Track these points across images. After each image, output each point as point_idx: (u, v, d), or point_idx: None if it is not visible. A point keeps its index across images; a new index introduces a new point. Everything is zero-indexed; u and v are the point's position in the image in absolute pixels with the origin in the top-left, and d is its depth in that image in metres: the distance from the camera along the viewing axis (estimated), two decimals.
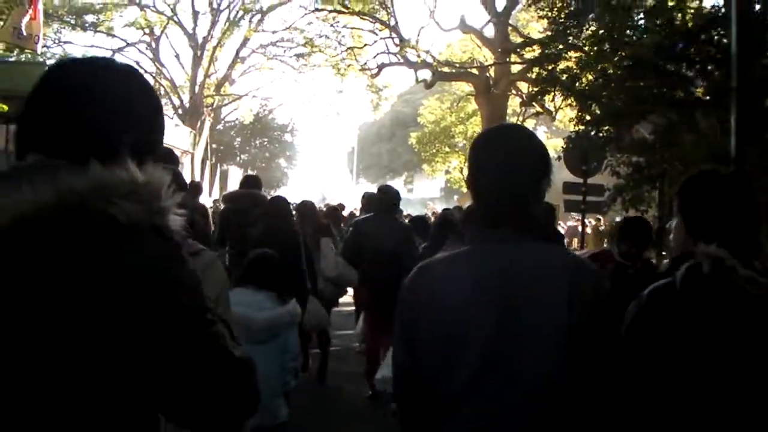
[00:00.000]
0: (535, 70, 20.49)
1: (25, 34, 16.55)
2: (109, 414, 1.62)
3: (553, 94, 17.34)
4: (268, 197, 9.71)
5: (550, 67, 16.46)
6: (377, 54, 32.41)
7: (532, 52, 24.79)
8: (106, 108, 1.77)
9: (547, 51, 17.14)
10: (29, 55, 23.76)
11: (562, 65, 16.30)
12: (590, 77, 13.95)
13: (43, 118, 1.75)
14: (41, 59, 25.36)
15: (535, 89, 18.32)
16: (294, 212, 10.44)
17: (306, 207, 10.92)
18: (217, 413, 1.69)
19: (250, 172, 45.21)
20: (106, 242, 1.57)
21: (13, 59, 25.79)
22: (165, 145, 2.05)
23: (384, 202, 9.72)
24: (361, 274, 9.41)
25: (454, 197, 59.08)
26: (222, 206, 12.76)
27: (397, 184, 67.07)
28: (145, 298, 1.58)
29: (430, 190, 64.30)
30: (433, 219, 14.45)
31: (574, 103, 25.38)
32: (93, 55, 2.47)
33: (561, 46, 16.38)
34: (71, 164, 1.63)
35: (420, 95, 60.33)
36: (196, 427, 1.78)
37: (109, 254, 1.57)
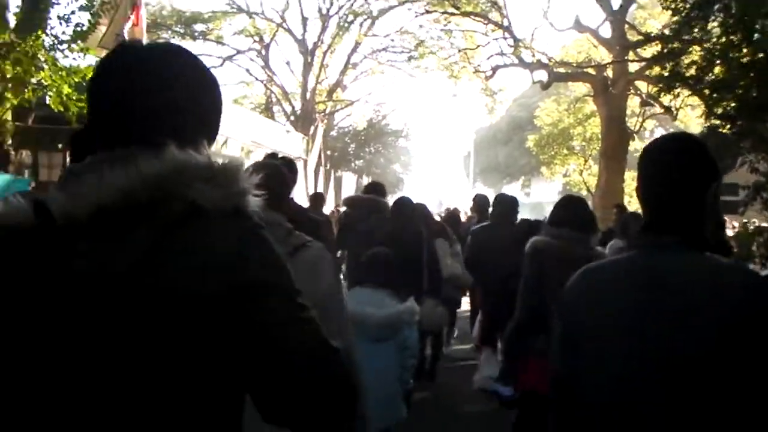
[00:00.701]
0: (656, 68, 19.67)
1: (127, 40, 16.27)
2: (199, 403, 1.59)
3: (677, 91, 16.61)
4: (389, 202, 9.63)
5: (674, 63, 15.46)
6: (491, 56, 31.30)
7: (652, 49, 23.92)
8: (177, 90, 1.74)
9: (670, 45, 16.19)
10: None
11: (686, 60, 15.37)
12: (718, 70, 12.99)
13: (114, 106, 1.70)
14: None
15: (658, 87, 17.62)
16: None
17: (421, 210, 10.38)
18: (313, 403, 1.63)
19: (365, 178, 45.21)
20: (191, 227, 1.57)
21: None
22: (282, 154, 1.96)
23: (501, 209, 9.73)
24: (478, 279, 9.70)
25: None
26: (342, 210, 12.82)
27: (513, 187, 67.01)
28: (235, 279, 1.56)
29: (547, 194, 62.90)
30: None
31: (698, 101, 24.41)
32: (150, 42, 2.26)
33: (686, 38, 15.35)
34: (148, 150, 1.59)
35: (535, 98, 60.22)
36: (293, 424, 1.69)
37: (196, 239, 1.57)
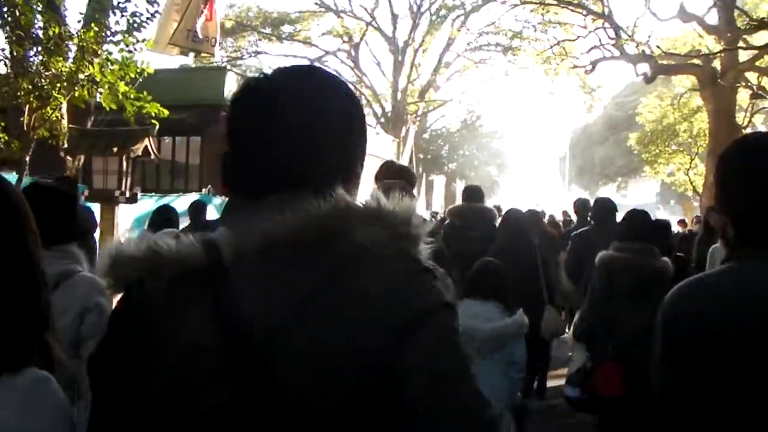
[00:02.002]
0: None
1: (201, 36, 16.00)
2: None
3: None
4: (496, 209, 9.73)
5: None
6: (590, 49, 29.72)
7: (765, 35, 23.15)
8: (333, 124, 1.69)
9: None
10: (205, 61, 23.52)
11: None
12: None
13: (270, 147, 1.64)
14: (219, 63, 24.81)
15: None
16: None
17: (535, 218, 10.50)
18: None
19: (458, 182, 44.29)
20: (348, 267, 1.53)
21: (193, 66, 25.39)
22: (372, 156, 1.06)
23: (601, 213, 9.84)
24: (583, 287, 8.96)
25: (670, 201, 56.24)
26: (445, 220, 11.93)
27: (609, 189, 66.07)
28: (397, 318, 1.49)
29: (645, 196, 61.43)
30: None
31: None
32: (290, 65, 1.89)
33: None
34: (314, 192, 1.57)
35: (633, 97, 59.42)
36: None
37: (361, 279, 1.52)
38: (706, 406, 2.16)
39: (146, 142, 12.56)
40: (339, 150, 1.70)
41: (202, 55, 19.05)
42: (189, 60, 23.91)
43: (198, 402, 1.50)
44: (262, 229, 1.54)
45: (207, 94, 22.33)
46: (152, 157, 13.45)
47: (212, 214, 13.54)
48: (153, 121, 11.91)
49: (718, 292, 2.21)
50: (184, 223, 10.10)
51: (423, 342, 1.49)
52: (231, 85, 22.35)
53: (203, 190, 18.98)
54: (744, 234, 2.28)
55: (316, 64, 37.53)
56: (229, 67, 25.16)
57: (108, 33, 11.47)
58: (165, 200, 15.02)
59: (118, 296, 1.67)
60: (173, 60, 21.38)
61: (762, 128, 33.83)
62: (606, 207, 9.88)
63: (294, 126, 1.65)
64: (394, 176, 4.43)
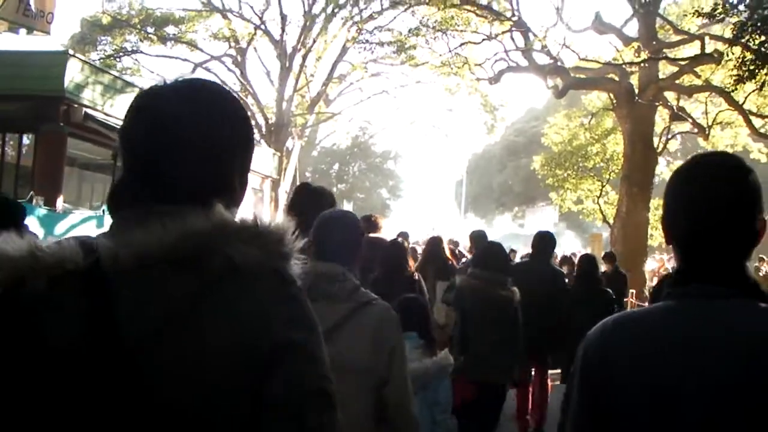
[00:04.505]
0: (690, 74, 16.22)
1: (33, 10, 14.53)
2: None
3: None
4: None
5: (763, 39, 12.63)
6: (496, 61, 26.76)
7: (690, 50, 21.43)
8: (223, 141, 1.78)
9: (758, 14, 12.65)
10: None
11: None
12: None
13: (158, 160, 1.72)
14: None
15: (736, 76, 14.09)
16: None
17: (434, 245, 10.97)
18: None
19: (345, 203, 41.82)
20: (218, 283, 1.61)
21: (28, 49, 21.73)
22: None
23: (541, 244, 10.06)
24: None
25: (566, 232, 54.90)
26: None
27: (506, 218, 64.81)
28: (261, 339, 1.59)
29: (542, 225, 59.69)
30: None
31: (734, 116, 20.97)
32: (188, 77, 1.93)
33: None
34: (196, 208, 1.65)
35: (532, 123, 58.88)
36: None
37: (231, 297, 1.60)
38: None
39: None
40: (224, 166, 1.78)
41: (36, 33, 16.40)
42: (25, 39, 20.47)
43: (65, 405, 1.52)
44: (139, 240, 1.60)
45: (44, 83, 18.66)
46: None
47: (33, 226, 12.49)
48: None
49: (652, 334, 2.09)
50: None
51: (288, 373, 1.59)
52: (74, 74, 18.51)
53: (31, 198, 16.21)
54: (688, 267, 2.13)
55: (200, 69, 35.43)
56: (72, 51, 21.37)
57: None
58: None
59: None
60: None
61: (677, 155, 31.70)
62: (545, 238, 10.10)
63: (181, 142, 1.71)
64: (312, 200, 4.62)
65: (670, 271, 25.80)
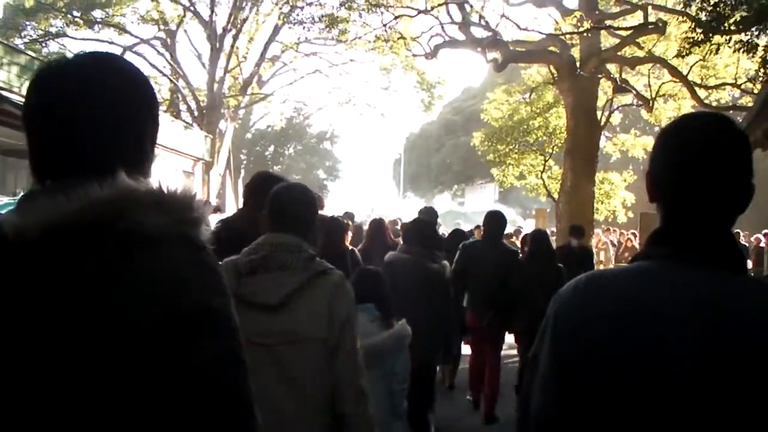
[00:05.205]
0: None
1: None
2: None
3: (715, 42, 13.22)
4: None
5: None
6: (432, 36, 25.89)
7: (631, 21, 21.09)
8: (125, 112, 1.77)
9: None
10: None
11: None
12: None
13: (60, 134, 1.72)
14: None
15: (690, 36, 13.95)
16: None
17: (375, 226, 10.99)
18: None
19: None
20: (127, 250, 1.59)
21: None
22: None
23: (493, 225, 10.16)
24: (468, 297, 9.99)
25: (515, 209, 54.85)
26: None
27: (445, 197, 64.55)
28: (172, 305, 1.59)
29: (482, 203, 59.75)
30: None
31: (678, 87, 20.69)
32: (89, 51, 1.91)
33: None
34: (100, 177, 1.64)
35: (470, 102, 58.41)
36: None
37: (139, 264, 1.59)
38: None
39: None
40: (127, 137, 1.76)
41: None
42: None
43: None
44: (43, 211, 1.58)
45: None
46: None
47: None
48: None
49: (624, 293, 1.98)
50: None
51: (208, 339, 1.60)
52: None
53: None
54: (671, 228, 2.03)
55: (129, 52, 34.49)
56: None
57: None
58: None
59: None
60: None
61: (617, 130, 31.29)
62: (497, 219, 10.19)
63: (82, 113, 1.69)
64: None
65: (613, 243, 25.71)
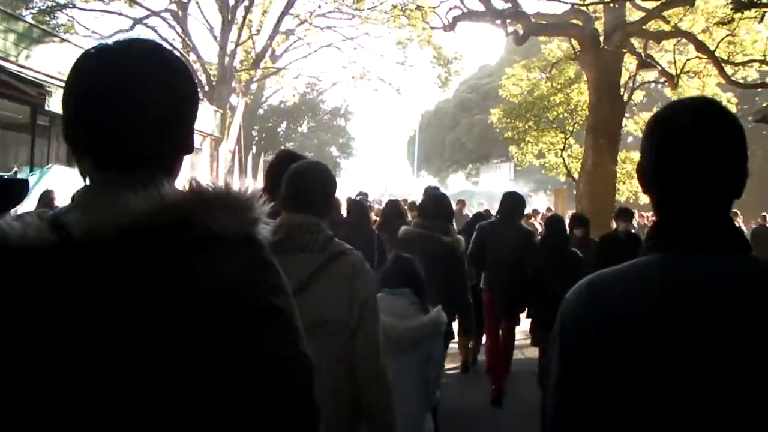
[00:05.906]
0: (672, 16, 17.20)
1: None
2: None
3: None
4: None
5: None
6: (450, 8, 25.29)
7: None
8: (183, 106, 1.79)
9: None
10: None
11: None
12: None
13: (122, 128, 1.70)
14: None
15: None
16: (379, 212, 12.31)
17: (391, 208, 10.88)
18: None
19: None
20: (198, 251, 1.61)
21: None
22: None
23: (510, 204, 10.12)
24: (485, 278, 10.16)
25: (525, 189, 54.41)
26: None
27: (459, 176, 64.02)
28: (241, 304, 1.60)
29: (497, 183, 59.18)
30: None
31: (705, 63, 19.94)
32: (132, 38, 1.85)
33: None
34: (161, 170, 1.70)
35: (486, 80, 57.85)
36: None
37: (210, 264, 1.61)
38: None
39: None
40: (179, 128, 1.77)
41: None
42: None
43: (41, 387, 1.54)
44: (116, 211, 1.58)
45: None
46: None
47: None
48: None
49: (631, 288, 1.95)
50: None
51: (273, 335, 1.61)
52: None
53: None
54: (671, 218, 2.00)
55: (140, 25, 33.94)
56: None
57: None
58: None
59: None
60: None
61: (639, 107, 30.39)
62: (515, 198, 10.20)
63: (137, 104, 1.68)
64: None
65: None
